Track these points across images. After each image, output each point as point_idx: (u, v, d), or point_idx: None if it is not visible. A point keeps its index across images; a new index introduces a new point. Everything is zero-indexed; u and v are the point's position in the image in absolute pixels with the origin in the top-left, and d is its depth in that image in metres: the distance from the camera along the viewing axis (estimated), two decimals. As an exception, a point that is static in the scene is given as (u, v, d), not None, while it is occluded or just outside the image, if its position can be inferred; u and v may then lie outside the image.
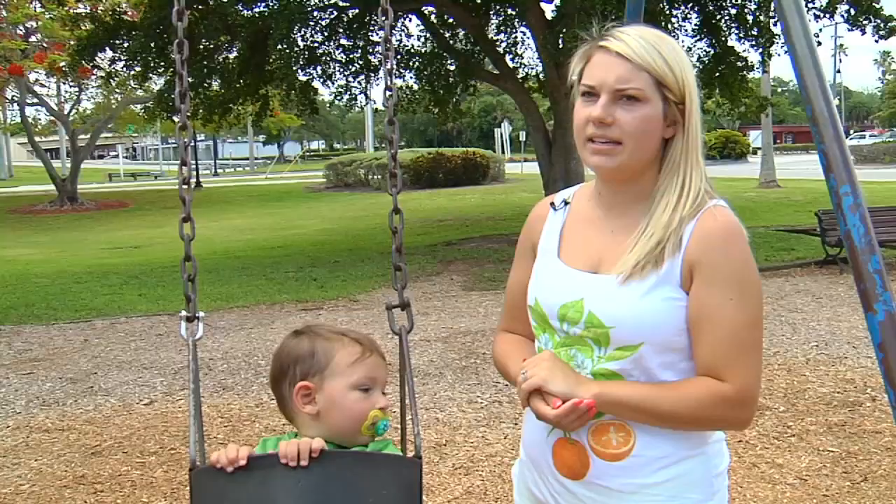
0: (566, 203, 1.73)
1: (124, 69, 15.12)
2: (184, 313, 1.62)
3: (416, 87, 16.47)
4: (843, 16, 13.18)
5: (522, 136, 43.57)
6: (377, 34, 15.72)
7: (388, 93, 1.89)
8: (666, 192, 1.53)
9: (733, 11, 13.93)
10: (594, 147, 1.53)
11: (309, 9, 13.88)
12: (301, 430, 1.52)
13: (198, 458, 1.43)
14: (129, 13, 18.13)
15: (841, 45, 67.12)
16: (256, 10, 14.02)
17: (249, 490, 1.30)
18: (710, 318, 1.47)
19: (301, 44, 14.48)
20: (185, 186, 1.69)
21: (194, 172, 43.26)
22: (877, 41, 13.44)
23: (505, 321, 1.85)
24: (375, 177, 32.19)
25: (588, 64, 1.54)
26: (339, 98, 16.12)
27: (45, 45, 27.50)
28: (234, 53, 14.44)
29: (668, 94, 1.49)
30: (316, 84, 16.07)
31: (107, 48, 14.60)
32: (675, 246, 1.49)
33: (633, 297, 1.49)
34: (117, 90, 29.83)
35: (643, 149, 1.51)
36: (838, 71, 66.83)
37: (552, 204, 1.75)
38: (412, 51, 16.30)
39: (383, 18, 1.95)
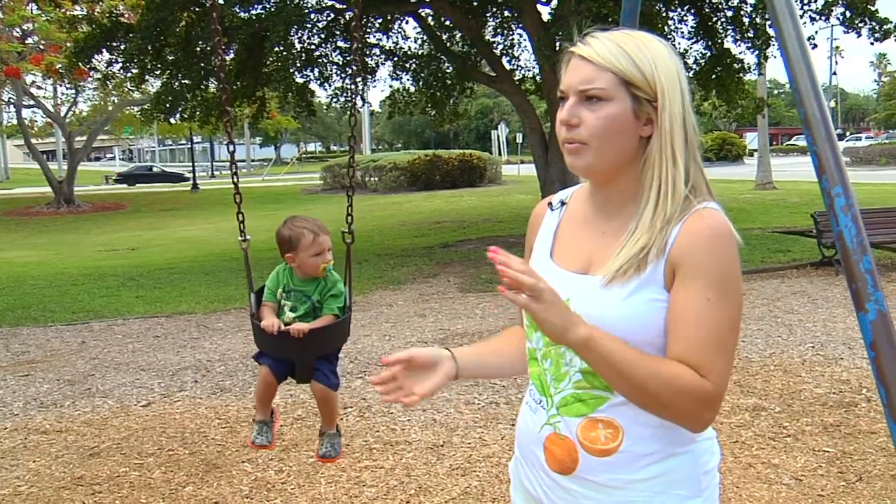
0: (563, 203, 1.74)
1: (121, 71, 15.12)
2: (240, 237, 3.27)
3: (413, 89, 16.49)
4: (838, 18, 13.21)
5: (519, 137, 43.55)
6: (374, 36, 15.76)
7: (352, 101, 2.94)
8: (649, 192, 1.53)
9: (729, 14, 13.97)
10: (567, 147, 1.56)
11: (306, 11, 13.91)
12: (293, 269, 3.09)
13: (255, 312, 3.09)
14: (126, 15, 18.12)
15: (837, 48, 67.39)
16: (253, 11, 14.05)
17: (278, 341, 2.94)
18: (686, 317, 1.46)
19: (298, 46, 14.51)
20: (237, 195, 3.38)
21: (190, 175, 43.59)
22: (872, 43, 13.44)
23: (518, 315, 1.85)
24: (372, 179, 32.20)
25: (565, 69, 1.58)
26: (335, 100, 16.15)
27: (41, 47, 27.49)
28: (231, 55, 14.46)
29: (637, 91, 1.50)
30: (313, 86, 16.11)
31: (103, 50, 14.59)
32: (660, 250, 1.49)
33: (615, 300, 1.50)
34: (114, 92, 29.81)
35: (613, 148, 1.52)
36: (834, 73, 67.05)
37: (550, 204, 1.78)
38: (409, 53, 16.33)
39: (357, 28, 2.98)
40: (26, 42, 28.22)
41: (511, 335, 1.91)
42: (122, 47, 13.93)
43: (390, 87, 16.86)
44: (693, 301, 1.46)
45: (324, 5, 14.75)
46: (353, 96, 3.30)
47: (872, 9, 12.73)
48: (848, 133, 69.55)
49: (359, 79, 2.86)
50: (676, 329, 1.49)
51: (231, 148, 3.31)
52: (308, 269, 3.00)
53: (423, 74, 15.60)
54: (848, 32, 13.18)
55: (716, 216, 1.50)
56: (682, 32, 14.49)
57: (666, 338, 1.51)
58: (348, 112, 3.23)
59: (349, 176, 3.36)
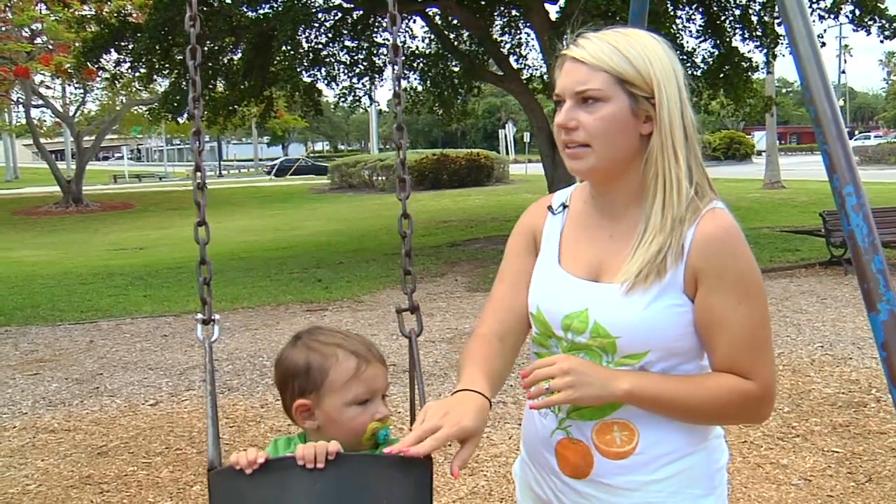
0: (564, 207, 1.71)
1: (129, 71, 15.16)
2: (200, 316, 1.71)
3: (420, 88, 16.49)
4: (847, 16, 13.17)
5: (527, 137, 43.57)
6: (381, 35, 15.76)
7: (395, 99, 1.95)
8: (654, 190, 1.51)
9: (738, 12, 13.93)
10: (567, 152, 1.54)
11: (313, 10, 13.92)
12: (307, 434, 1.55)
13: (216, 460, 1.46)
14: (134, 15, 18.18)
15: (846, 46, 67.10)
16: (261, 11, 14.07)
17: (267, 491, 1.34)
18: (723, 324, 1.48)
19: (305, 45, 14.52)
20: (199, 191, 1.81)
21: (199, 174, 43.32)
22: (882, 42, 13.39)
23: (484, 320, 1.71)
24: (380, 178, 32.20)
25: (559, 73, 1.56)
26: (343, 99, 16.15)
27: (50, 47, 27.60)
28: (239, 55, 14.48)
29: (634, 89, 1.48)
30: (320, 85, 16.13)
31: (112, 50, 14.64)
32: (678, 254, 1.48)
33: (637, 307, 1.49)
34: (122, 92, 29.91)
35: (614, 148, 1.51)
36: (843, 71, 66.78)
37: (550, 207, 1.74)
38: (417, 52, 16.32)
39: (391, 24, 2.02)
40: (35, 42, 28.33)
41: (488, 355, 1.63)
42: (131, 47, 13.98)
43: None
44: (724, 308, 1.48)
45: (331, 5, 14.76)
46: (397, 111, 1.93)
47: (882, 7, 12.69)
48: (857, 132, 69.28)
49: (398, 86, 1.86)
50: (714, 339, 1.50)
51: (198, 157, 1.90)
52: (342, 433, 1.48)
53: (430, 73, 15.60)
54: (857, 31, 13.14)
55: (726, 217, 1.51)
56: (691, 31, 14.47)
57: (687, 342, 1.52)
58: (395, 135, 1.94)
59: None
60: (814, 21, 13.18)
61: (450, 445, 1.42)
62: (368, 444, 1.51)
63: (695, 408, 1.50)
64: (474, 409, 1.44)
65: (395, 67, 1.98)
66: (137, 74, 15.18)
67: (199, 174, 1.81)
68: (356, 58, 15.57)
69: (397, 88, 1.93)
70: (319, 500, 1.33)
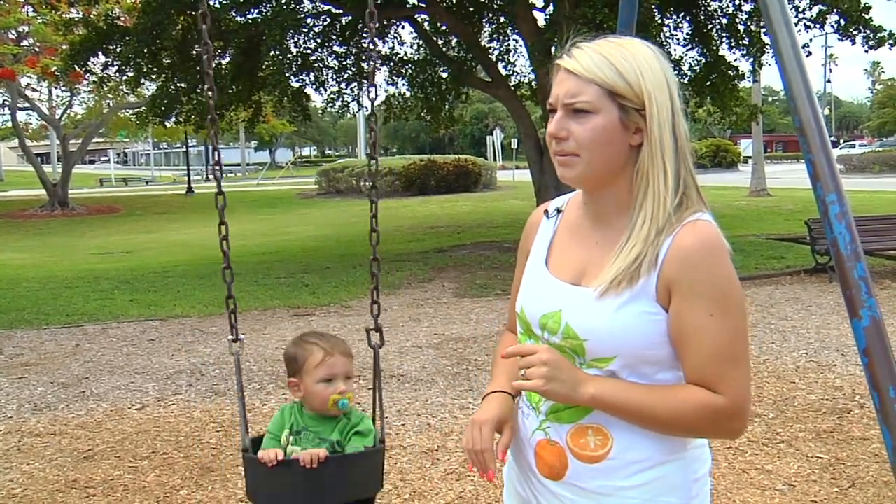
0: (559, 211, 1.76)
1: (117, 74, 15.10)
2: (230, 337, 2.35)
3: (408, 94, 16.51)
4: (833, 26, 13.28)
5: (514, 143, 43.65)
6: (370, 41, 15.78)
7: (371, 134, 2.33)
8: (642, 200, 1.54)
9: (724, 21, 14.02)
10: (557, 159, 1.58)
11: (302, 15, 13.91)
12: (302, 403, 2.18)
13: (248, 446, 2.13)
14: (123, 18, 18.12)
15: (831, 55, 67.62)
16: (250, 16, 14.05)
17: (282, 479, 2.03)
18: (693, 335, 1.48)
19: (294, 50, 14.51)
20: (225, 242, 2.38)
21: (185, 178, 43.60)
22: (866, 51, 13.50)
23: (509, 321, 1.92)
24: (367, 183, 32.18)
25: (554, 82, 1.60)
26: (331, 105, 16.15)
27: (37, 49, 27.48)
28: (227, 59, 14.45)
29: (624, 101, 1.51)
30: (308, 90, 16.12)
31: (99, 53, 14.57)
32: (652, 263, 1.50)
33: (606, 312, 1.51)
34: (109, 95, 29.79)
35: (603, 158, 1.53)
36: (828, 80, 67.34)
37: (546, 211, 1.79)
38: (405, 58, 16.35)
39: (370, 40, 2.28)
40: (22, 44, 28.19)
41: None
42: (118, 50, 13.91)
43: (386, 91, 16.86)
44: (696, 321, 1.48)
45: (320, 10, 14.77)
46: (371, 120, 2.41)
47: (867, 17, 12.79)
48: (842, 141, 69.80)
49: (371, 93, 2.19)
50: (685, 350, 1.51)
51: (221, 202, 2.32)
52: (315, 402, 2.14)
53: (418, 79, 15.62)
54: (842, 40, 13.24)
55: (706, 228, 1.51)
56: (678, 39, 14.55)
57: (661, 351, 1.53)
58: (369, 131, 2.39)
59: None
60: (799, 31, 13.32)
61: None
62: (333, 410, 2.12)
63: (662, 418, 1.51)
64: (497, 403, 1.71)
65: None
66: (125, 78, 15.11)
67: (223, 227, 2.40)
68: (344, 63, 15.58)
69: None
70: (313, 479, 1.99)
